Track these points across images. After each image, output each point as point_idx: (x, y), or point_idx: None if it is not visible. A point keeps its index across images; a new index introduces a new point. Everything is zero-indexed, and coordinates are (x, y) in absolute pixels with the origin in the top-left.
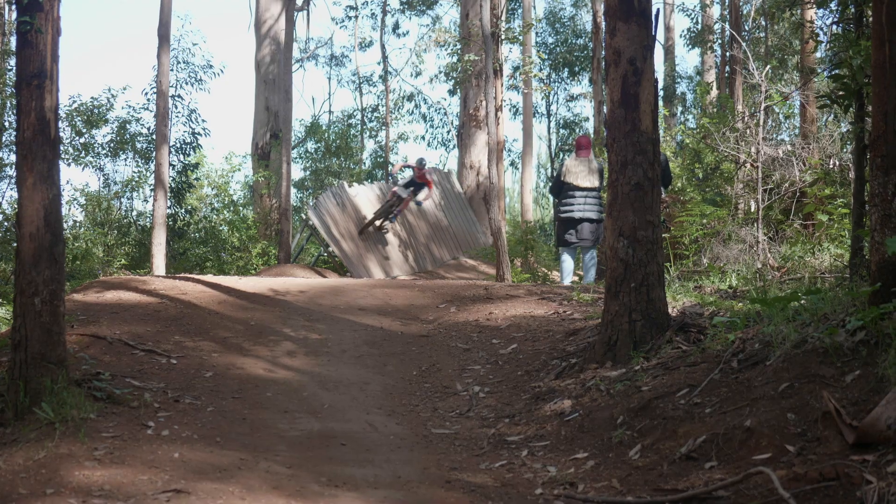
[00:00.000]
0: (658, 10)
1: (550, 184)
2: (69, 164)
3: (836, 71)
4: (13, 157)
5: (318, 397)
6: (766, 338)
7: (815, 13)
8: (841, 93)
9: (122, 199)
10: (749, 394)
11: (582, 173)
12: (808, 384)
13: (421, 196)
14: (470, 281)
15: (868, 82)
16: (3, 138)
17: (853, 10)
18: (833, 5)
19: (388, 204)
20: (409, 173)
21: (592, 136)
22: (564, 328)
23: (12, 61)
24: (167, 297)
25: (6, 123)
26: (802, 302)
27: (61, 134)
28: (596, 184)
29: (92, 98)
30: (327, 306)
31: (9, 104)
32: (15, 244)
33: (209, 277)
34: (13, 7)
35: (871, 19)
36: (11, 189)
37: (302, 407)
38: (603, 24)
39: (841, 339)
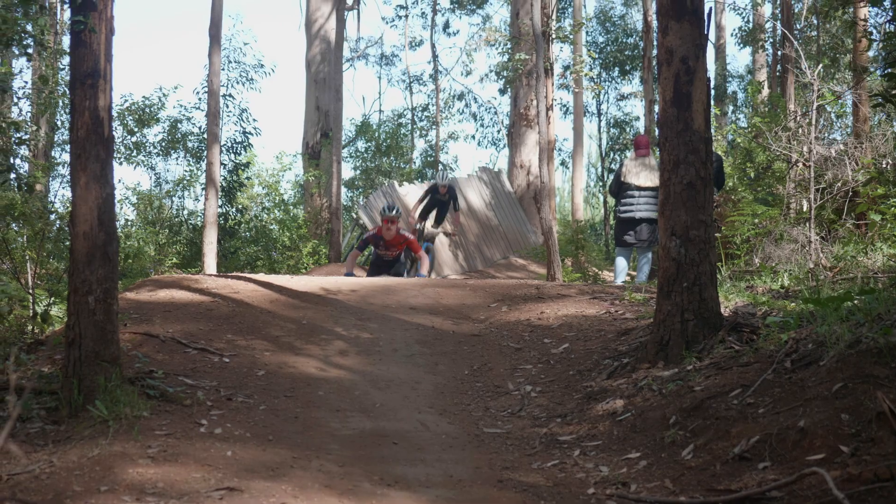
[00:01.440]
0: (710, 8)
1: (610, 183)
2: (121, 163)
3: (890, 70)
4: (66, 156)
5: (369, 396)
6: (820, 338)
7: (869, 11)
8: (894, 92)
9: (174, 198)
10: (802, 394)
11: (642, 173)
12: (861, 384)
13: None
14: (521, 280)
15: None
16: (56, 137)
17: None
18: (887, 3)
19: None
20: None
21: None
22: (616, 328)
23: (65, 60)
24: (219, 296)
25: (58, 122)
26: (856, 302)
27: (113, 133)
28: (656, 183)
29: (144, 97)
30: (378, 305)
31: (61, 103)
32: (68, 243)
33: (261, 276)
34: (66, 6)
35: None
36: (64, 188)
37: (354, 406)
38: (654, 23)
39: (895, 339)
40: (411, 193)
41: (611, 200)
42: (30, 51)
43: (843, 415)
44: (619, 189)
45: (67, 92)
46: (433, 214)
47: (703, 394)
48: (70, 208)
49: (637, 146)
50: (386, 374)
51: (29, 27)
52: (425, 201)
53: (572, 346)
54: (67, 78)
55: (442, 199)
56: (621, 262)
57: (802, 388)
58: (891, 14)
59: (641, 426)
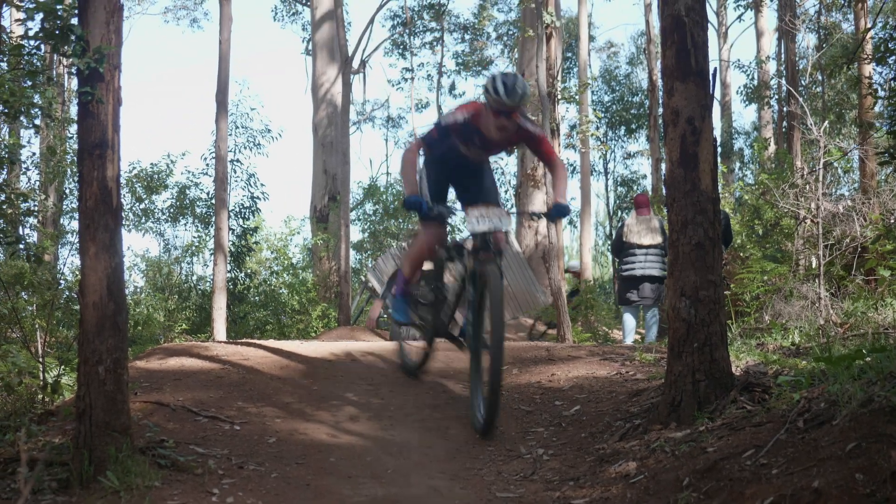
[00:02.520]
0: (715, 68)
1: (611, 243)
2: (130, 230)
3: (895, 128)
4: (75, 224)
5: (381, 462)
6: (832, 397)
7: (874, 68)
8: None
9: (183, 264)
10: (816, 454)
11: (643, 231)
12: (875, 444)
13: None
14: (531, 343)
15: None
16: (65, 205)
17: None
18: (891, 61)
19: None
20: None
21: (651, 193)
22: (627, 389)
23: (73, 128)
24: (229, 363)
25: (67, 191)
26: (867, 360)
27: (122, 200)
28: (657, 241)
29: (152, 164)
30: (389, 370)
31: (69, 171)
32: (78, 310)
33: (271, 342)
34: (73, 76)
35: None
36: (73, 255)
37: (366, 472)
38: (659, 83)
39: None
40: None
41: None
42: (37, 122)
43: (857, 475)
44: (621, 248)
45: (75, 160)
46: None
47: (716, 455)
48: (79, 276)
49: (637, 205)
50: (397, 439)
51: (37, 98)
52: None
53: (584, 408)
54: (75, 146)
55: None
56: (629, 322)
57: (816, 447)
58: (895, 71)
59: (655, 489)
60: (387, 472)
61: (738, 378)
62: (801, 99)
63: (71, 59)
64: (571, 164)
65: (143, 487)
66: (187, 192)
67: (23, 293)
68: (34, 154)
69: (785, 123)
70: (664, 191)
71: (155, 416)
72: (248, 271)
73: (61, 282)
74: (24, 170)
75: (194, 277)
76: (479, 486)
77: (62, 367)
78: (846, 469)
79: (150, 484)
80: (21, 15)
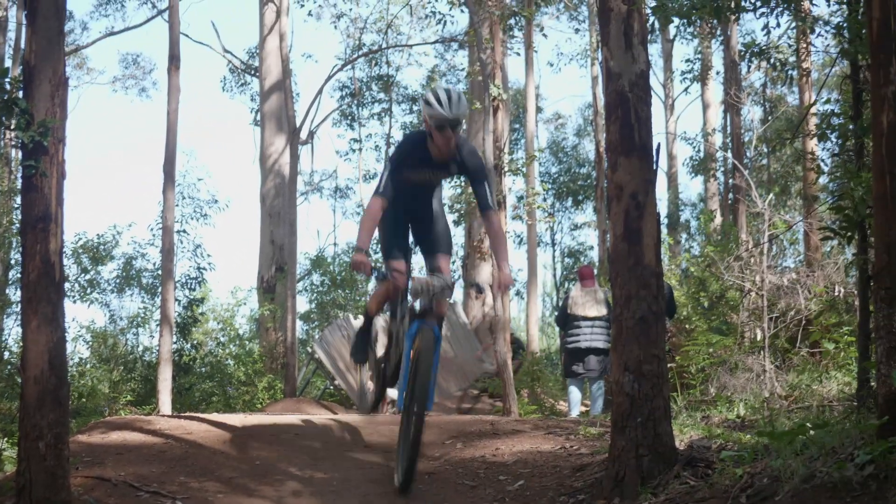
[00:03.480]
0: (659, 143)
1: (556, 314)
2: (75, 301)
3: (838, 202)
4: (19, 294)
5: None
6: (775, 472)
7: (817, 144)
8: (844, 224)
9: (128, 335)
10: None
11: (588, 303)
12: None
13: None
14: (476, 416)
15: (870, 214)
16: (10, 275)
17: (853, 141)
18: (833, 137)
19: None
20: None
21: (597, 264)
22: (571, 463)
23: (18, 199)
24: (172, 437)
25: (12, 261)
26: (810, 434)
27: (67, 271)
28: (602, 313)
29: (98, 235)
30: (333, 444)
31: (14, 242)
32: (20, 380)
33: (214, 416)
34: (18, 147)
35: (871, 151)
36: (17, 325)
37: None
38: (605, 155)
39: (850, 474)
40: None
41: None
42: None
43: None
44: (566, 320)
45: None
46: None
47: None
48: (21, 351)
49: (582, 277)
50: None
51: None
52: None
53: (528, 482)
54: (20, 219)
55: None
56: (575, 394)
57: None
58: (837, 148)
59: None
60: None
61: (681, 453)
62: (746, 172)
63: (15, 132)
64: (518, 236)
65: None
66: (133, 262)
67: None
68: None
69: (731, 196)
70: (609, 265)
71: (96, 492)
72: (195, 342)
73: (5, 353)
74: None
75: (140, 348)
76: None
77: (5, 439)
78: None
79: None
80: None
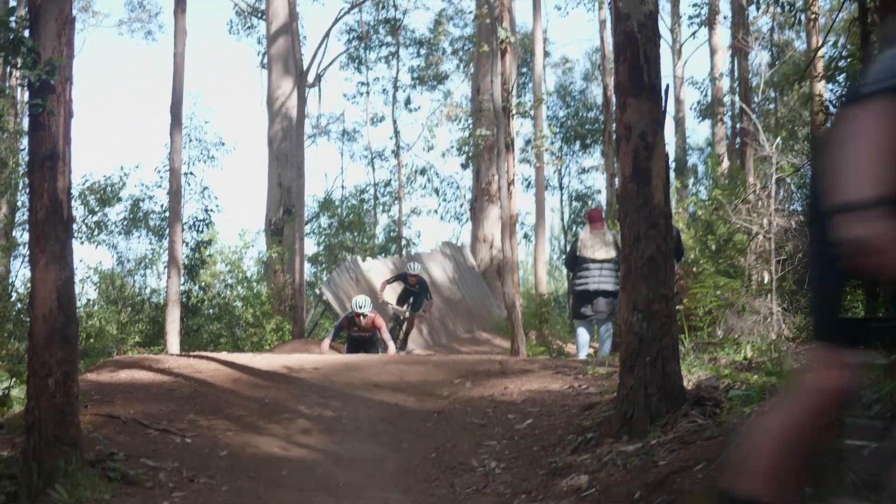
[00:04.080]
0: (668, 84)
1: (565, 257)
2: (82, 243)
3: None
4: (27, 236)
5: (333, 475)
6: None
7: (825, 86)
8: None
9: (136, 277)
10: None
11: (596, 246)
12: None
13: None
14: (485, 355)
15: None
16: (17, 217)
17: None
18: (841, 79)
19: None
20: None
21: (605, 208)
22: (580, 402)
23: (25, 140)
24: (181, 376)
25: (19, 203)
26: None
27: (74, 213)
28: (611, 255)
29: (105, 177)
30: (341, 383)
31: (21, 183)
32: (28, 322)
33: (223, 355)
34: (25, 87)
35: None
36: (25, 268)
37: (318, 485)
38: (613, 98)
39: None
40: (374, 269)
41: None
42: None
43: (807, 487)
44: (575, 262)
45: (27, 171)
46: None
47: (667, 468)
48: (30, 290)
49: (591, 220)
50: (349, 452)
51: None
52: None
53: (536, 421)
54: (27, 158)
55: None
56: (583, 336)
57: None
58: (845, 90)
59: (606, 502)
60: (339, 485)
61: (689, 392)
62: (753, 115)
63: (22, 71)
64: (526, 179)
65: (93, 501)
66: (141, 204)
67: None
68: None
69: (738, 140)
70: (617, 206)
71: (105, 429)
72: (202, 284)
73: (12, 294)
74: None
75: (147, 290)
76: (432, 500)
77: (13, 379)
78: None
79: (99, 497)
80: None
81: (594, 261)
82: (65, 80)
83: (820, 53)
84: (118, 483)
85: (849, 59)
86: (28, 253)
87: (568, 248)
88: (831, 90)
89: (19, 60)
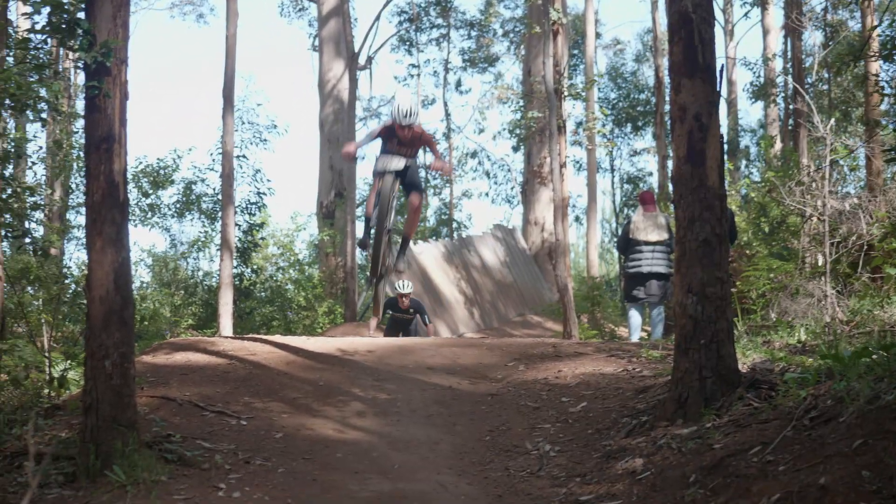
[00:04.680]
0: (722, 65)
1: (617, 240)
2: (136, 225)
3: None
4: (81, 219)
5: (388, 457)
6: (839, 394)
7: (881, 66)
8: None
9: (189, 259)
10: (822, 451)
11: (649, 228)
12: (882, 441)
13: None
14: (537, 338)
15: None
16: (71, 200)
17: None
18: None
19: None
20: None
21: (657, 190)
22: (634, 385)
23: (79, 123)
24: (236, 358)
25: (73, 185)
26: (874, 357)
27: (128, 196)
28: (664, 237)
29: (158, 159)
30: (395, 366)
31: (75, 166)
32: (84, 305)
33: (277, 338)
34: (80, 70)
35: None
36: (79, 250)
37: (372, 467)
38: (666, 80)
39: None
40: (426, 252)
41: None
42: (44, 116)
43: (864, 472)
44: (627, 245)
45: (82, 155)
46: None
47: (722, 451)
48: (86, 271)
49: (643, 202)
50: (404, 435)
51: (43, 92)
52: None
53: (590, 404)
54: (82, 141)
55: (405, 317)
56: (635, 319)
57: (822, 444)
58: None
59: (661, 485)
60: (393, 467)
61: (744, 375)
62: (807, 96)
63: (78, 54)
64: (578, 162)
65: (150, 482)
66: (193, 187)
67: (29, 288)
68: (41, 148)
69: (791, 121)
70: (671, 188)
71: (161, 411)
72: (255, 267)
73: (67, 276)
74: (30, 164)
75: (200, 273)
76: (486, 482)
77: (68, 361)
78: (853, 466)
79: (156, 478)
80: (28, 9)
81: (647, 243)
82: (120, 63)
83: (876, 33)
84: (175, 464)
85: None
86: (85, 235)
87: (620, 231)
88: (887, 70)
89: (74, 43)
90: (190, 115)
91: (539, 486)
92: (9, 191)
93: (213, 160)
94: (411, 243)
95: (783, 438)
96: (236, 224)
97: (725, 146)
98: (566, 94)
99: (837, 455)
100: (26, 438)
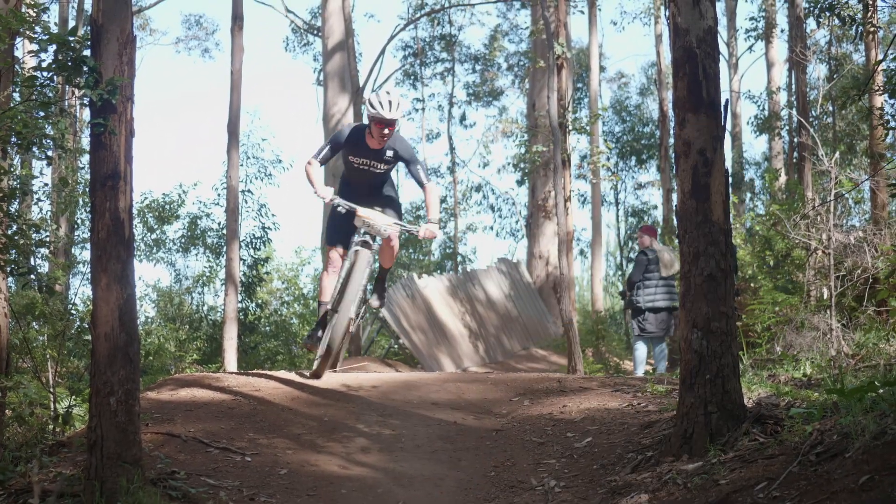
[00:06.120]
0: (727, 99)
1: (633, 272)
2: (141, 261)
3: None
4: (86, 254)
5: (392, 494)
6: (845, 429)
7: (885, 100)
8: None
9: (194, 294)
10: (829, 486)
11: (673, 263)
12: (888, 476)
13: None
14: (542, 373)
15: None
16: (76, 235)
17: None
18: None
19: None
20: None
21: (661, 224)
22: (639, 420)
23: (85, 158)
24: (240, 394)
25: (79, 221)
26: (880, 391)
27: (133, 231)
28: (666, 273)
29: (164, 195)
30: (400, 401)
31: (80, 201)
32: (89, 340)
33: (282, 373)
34: (85, 107)
35: None
36: (84, 285)
37: (377, 503)
38: (670, 113)
39: None
40: (430, 286)
41: None
42: (50, 153)
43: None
44: (645, 278)
45: (87, 190)
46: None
47: (728, 487)
48: (91, 307)
49: (654, 234)
50: (409, 470)
51: (49, 129)
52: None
53: (595, 439)
54: (87, 176)
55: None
56: (641, 353)
57: (828, 480)
58: None
59: None
60: (398, 503)
61: (750, 410)
62: (811, 129)
63: (83, 91)
64: (582, 195)
65: None
66: (199, 222)
67: (34, 323)
68: (46, 185)
69: (796, 154)
70: (675, 222)
71: (166, 448)
72: (259, 301)
73: (72, 312)
74: (36, 200)
75: (205, 307)
76: None
77: (73, 397)
78: (859, 501)
79: None
80: (34, 46)
81: (662, 277)
82: (126, 100)
83: (881, 67)
84: (179, 501)
85: None
86: (90, 272)
87: (635, 263)
88: (891, 104)
89: (80, 80)
90: (195, 149)
91: None
92: (14, 227)
93: (219, 195)
94: (414, 276)
95: (789, 474)
96: (241, 259)
97: (730, 179)
98: (570, 128)
99: (844, 491)
100: (30, 476)
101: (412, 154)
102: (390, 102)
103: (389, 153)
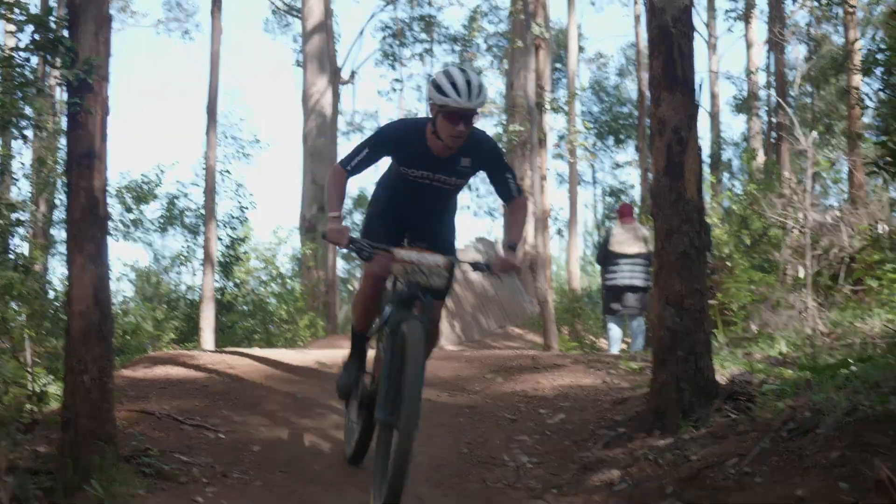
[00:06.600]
0: (702, 79)
1: (596, 252)
2: (118, 240)
3: (883, 139)
4: (64, 234)
5: (365, 470)
6: (817, 406)
7: (862, 80)
8: (888, 159)
9: (171, 274)
10: (800, 463)
11: (627, 241)
12: (860, 453)
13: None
14: (517, 350)
15: None
16: (55, 216)
17: None
18: (879, 72)
19: None
20: None
21: (639, 203)
22: (612, 397)
23: (63, 140)
24: (215, 372)
25: (57, 201)
26: (853, 369)
27: (111, 210)
28: (642, 250)
29: (142, 174)
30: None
31: (59, 182)
32: (65, 319)
33: (256, 351)
34: (63, 86)
35: None
36: (63, 265)
37: (350, 480)
38: (648, 93)
39: (893, 407)
40: None
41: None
42: (27, 133)
43: (841, 483)
44: (606, 257)
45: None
46: None
47: (699, 463)
48: (67, 287)
49: (621, 214)
50: None
51: (27, 110)
52: None
53: (568, 416)
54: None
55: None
56: (615, 331)
57: (800, 456)
58: (882, 83)
59: (638, 496)
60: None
61: (722, 387)
62: (789, 110)
63: (60, 71)
64: (560, 175)
65: (128, 496)
66: (176, 202)
67: (12, 303)
68: (24, 165)
69: (774, 134)
70: (650, 201)
71: (140, 425)
72: (237, 281)
73: (50, 292)
74: (14, 181)
75: (183, 287)
76: (463, 495)
77: (50, 376)
78: (830, 478)
79: (134, 492)
80: (12, 27)
81: (625, 255)
82: (102, 79)
83: (858, 46)
84: (152, 478)
85: (887, 53)
86: (66, 251)
87: (599, 243)
88: (868, 84)
89: (58, 60)
90: (175, 130)
91: (516, 498)
92: None
93: (197, 175)
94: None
95: (761, 450)
96: (219, 238)
97: (707, 159)
98: (548, 107)
99: (815, 467)
100: (2, 453)
101: (501, 159)
102: (468, 84)
103: (466, 161)
